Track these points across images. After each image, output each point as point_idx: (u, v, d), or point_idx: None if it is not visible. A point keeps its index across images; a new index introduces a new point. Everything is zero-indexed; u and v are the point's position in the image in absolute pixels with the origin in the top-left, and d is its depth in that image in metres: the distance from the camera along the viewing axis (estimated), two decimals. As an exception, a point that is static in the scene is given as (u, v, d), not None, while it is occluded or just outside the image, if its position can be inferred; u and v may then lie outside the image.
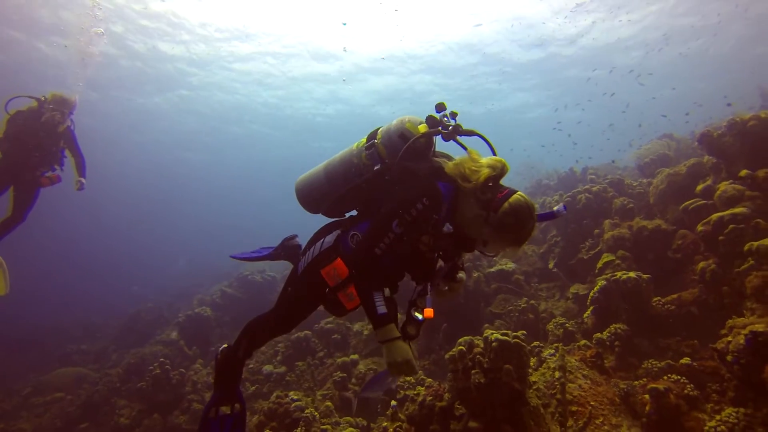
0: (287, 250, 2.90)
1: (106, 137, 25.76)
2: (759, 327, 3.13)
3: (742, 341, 3.24)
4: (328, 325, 8.46)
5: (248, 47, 17.57)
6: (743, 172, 5.14)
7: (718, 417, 3.38)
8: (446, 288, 2.27)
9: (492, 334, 3.90)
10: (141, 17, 14.87)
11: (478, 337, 4.05)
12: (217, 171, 40.42)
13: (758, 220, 4.54)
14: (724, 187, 5.26)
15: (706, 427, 3.38)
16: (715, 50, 19.30)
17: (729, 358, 3.35)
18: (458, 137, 2.21)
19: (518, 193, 1.94)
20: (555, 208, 2.04)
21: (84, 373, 10.40)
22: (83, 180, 6.03)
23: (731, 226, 4.70)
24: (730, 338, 3.40)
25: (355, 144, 2.40)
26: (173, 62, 18.43)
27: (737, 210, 4.79)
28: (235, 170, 40.28)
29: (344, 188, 2.37)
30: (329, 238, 2.35)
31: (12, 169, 5.57)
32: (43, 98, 5.77)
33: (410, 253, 2.10)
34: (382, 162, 2.25)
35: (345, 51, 17.04)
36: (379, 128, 2.36)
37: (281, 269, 14.21)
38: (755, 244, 3.96)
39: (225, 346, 2.61)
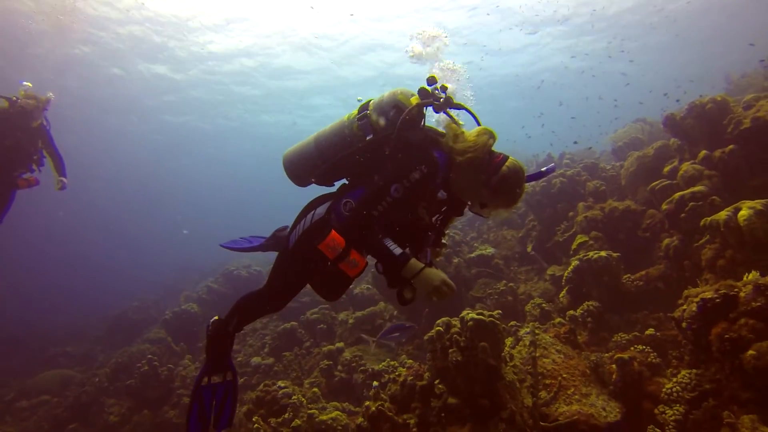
0: (278, 241, 2.90)
1: (90, 130, 25.16)
2: (707, 294, 3.36)
3: (694, 308, 3.48)
4: (314, 316, 8.60)
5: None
6: (702, 153, 5.40)
7: (674, 379, 3.63)
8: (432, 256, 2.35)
9: (468, 314, 4.08)
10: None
11: (455, 318, 4.22)
12: (204, 170, 39.93)
13: (714, 197, 4.80)
14: (686, 167, 5.51)
15: (664, 389, 3.64)
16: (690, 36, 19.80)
17: (684, 325, 3.59)
18: (448, 109, 2.29)
19: (511, 157, 2.12)
20: (544, 168, 2.21)
21: (70, 375, 10.35)
22: (64, 180, 5.96)
23: (691, 203, 4.95)
24: (685, 307, 3.64)
25: (346, 116, 2.43)
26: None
27: (696, 188, 5.04)
28: (220, 167, 39.80)
29: (334, 158, 2.40)
30: (320, 210, 2.36)
31: None
32: (14, 98, 5.64)
33: (404, 224, 2.17)
34: (375, 132, 2.29)
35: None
36: (370, 100, 2.41)
37: (266, 263, 14.27)
38: (708, 219, 4.20)
39: (216, 318, 2.65)
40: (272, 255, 2.89)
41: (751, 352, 2.96)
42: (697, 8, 17.21)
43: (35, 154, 5.73)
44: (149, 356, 8.33)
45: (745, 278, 3.55)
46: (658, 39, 20.16)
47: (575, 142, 11.32)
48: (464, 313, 4.16)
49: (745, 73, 13.12)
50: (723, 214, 4.05)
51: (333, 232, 2.07)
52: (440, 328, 4.22)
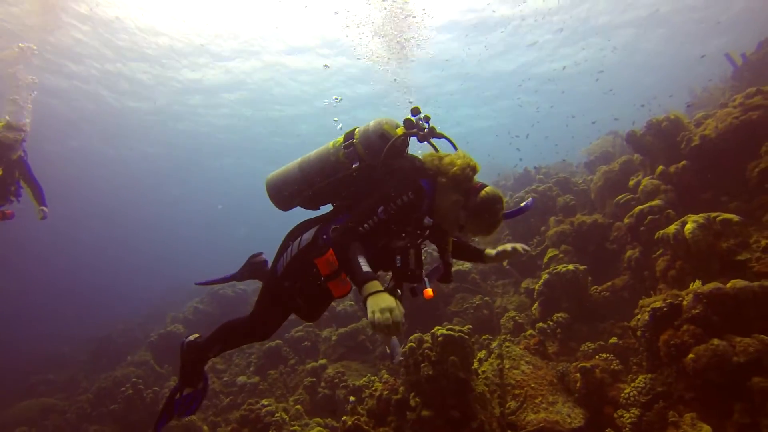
0: (253, 267, 2.92)
1: (72, 149, 25.01)
2: (657, 304, 3.63)
3: (646, 317, 3.74)
4: (298, 334, 8.72)
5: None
6: (659, 169, 5.75)
7: (632, 384, 3.87)
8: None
9: (438, 329, 4.29)
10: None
11: (427, 334, 4.42)
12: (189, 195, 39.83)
13: (669, 210, 5.12)
14: (645, 182, 5.85)
15: (623, 394, 3.87)
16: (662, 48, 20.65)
17: (638, 333, 3.84)
18: (431, 139, 2.42)
19: (490, 186, 2.25)
20: (522, 204, 2.34)
21: (51, 404, 10.16)
22: (45, 209, 5.93)
23: (649, 217, 5.27)
24: (639, 316, 3.89)
25: (331, 143, 2.49)
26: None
27: (654, 203, 5.37)
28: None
29: (319, 184, 2.45)
30: (307, 235, 2.40)
31: None
32: None
33: (386, 249, 2.19)
34: (361, 160, 2.36)
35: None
36: (356, 128, 2.48)
37: (251, 283, 14.27)
38: (661, 232, 4.50)
39: (192, 339, 2.64)
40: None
41: (691, 355, 3.21)
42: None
43: (12, 185, 5.66)
44: (134, 379, 8.32)
45: (690, 287, 3.83)
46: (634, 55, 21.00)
47: (535, 167, 11.71)
48: (435, 328, 4.37)
49: (706, 87, 13.78)
50: (672, 228, 4.35)
51: (331, 250, 2.05)
52: (413, 344, 4.42)
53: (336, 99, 19.72)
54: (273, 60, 18.18)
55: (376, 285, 1.91)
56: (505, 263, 8.18)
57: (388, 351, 4.80)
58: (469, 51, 18.09)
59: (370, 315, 1.77)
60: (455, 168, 2.22)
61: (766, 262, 4.09)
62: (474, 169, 2.26)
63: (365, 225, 2.10)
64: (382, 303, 1.79)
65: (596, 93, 23.11)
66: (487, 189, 2.21)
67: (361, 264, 1.98)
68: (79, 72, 16.96)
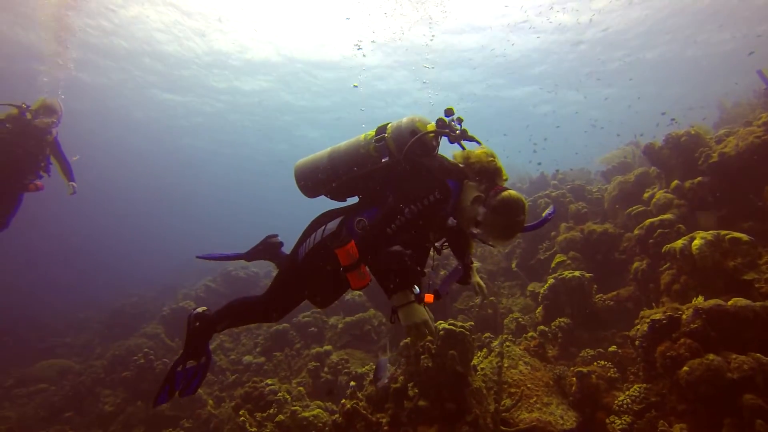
0: (267, 247, 2.94)
1: (93, 126, 25.65)
2: (657, 316, 3.70)
3: (645, 328, 3.81)
4: (306, 319, 8.94)
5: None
6: (674, 183, 5.75)
7: (627, 392, 3.96)
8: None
9: (440, 323, 4.42)
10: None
11: (430, 327, 4.56)
12: (209, 168, 40.45)
13: (680, 225, 5.14)
14: (659, 195, 5.86)
15: (616, 401, 3.95)
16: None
17: (636, 343, 3.92)
18: (462, 141, 2.41)
19: (515, 191, 2.20)
20: (544, 214, 2.32)
21: (68, 366, 10.67)
22: (74, 184, 6.17)
23: (659, 230, 5.29)
24: (639, 327, 3.96)
25: (363, 135, 2.50)
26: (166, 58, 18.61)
27: (665, 216, 5.39)
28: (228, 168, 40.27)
29: (345, 175, 2.46)
30: (332, 225, 2.42)
31: None
32: (24, 105, 5.69)
33: (412, 246, 2.21)
34: (391, 155, 2.37)
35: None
36: (388, 123, 2.49)
37: (264, 266, 14.62)
38: (668, 246, 4.54)
39: (200, 312, 2.63)
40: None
41: (685, 368, 3.29)
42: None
43: (43, 161, 5.86)
44: (145, 350, 8.66)
45: (693, 302, 3.88)
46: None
47: (557, 170, 11.68)
48: (438, 323, 4.50)
49: (737, 102, 13.51)
50: (679, 243, 4.39)
51: (352, 242, 2.10)
52: (415, 336, 4.56)
53: (354, 85, 19.70)
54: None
55: (408, 295, 2.04)
56: (513, 264, 8.26)
57: (375, 373, 4.82)
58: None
59: (406, 327, 2.01)
60: (480, 163, 2.22)
61: (773, 284, 4.11)
62: (497, 168, 2.22)
63: (393, 225, 2.12)
64: (417, 317, 2.00)
65: (622, 101, 22.81)
66: (510, 192, 2.14)
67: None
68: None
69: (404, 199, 2.15)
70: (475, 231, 2.17)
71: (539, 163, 12.99)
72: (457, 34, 16.70)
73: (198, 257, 2.99)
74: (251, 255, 2.96)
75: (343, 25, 15.74)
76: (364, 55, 17.60)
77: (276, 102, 23.62)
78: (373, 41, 16.30)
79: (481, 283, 2.80)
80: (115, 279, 22.96)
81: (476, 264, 2.73)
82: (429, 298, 2.20)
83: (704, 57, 20.23)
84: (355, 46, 16.61)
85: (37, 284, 24.78)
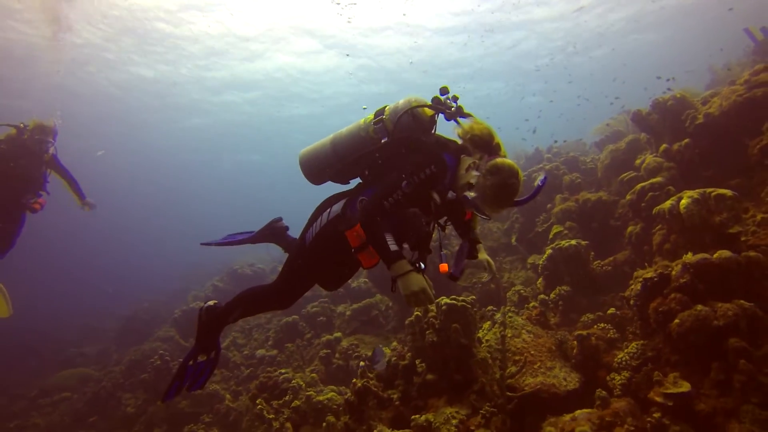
0: (273, 231, 2.98)
1: (95, 136, 25.71)
2: (648, 274, 3.85)
3: (638, 287, 3.97)
4: (314, 309, 9.15)
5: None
6: (662, 147, 5.85)
7: (625, 350, 4.12)
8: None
9: (442, 299, 4.59)
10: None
11: (432, 305, 4.73)
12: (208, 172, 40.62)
13: (669, 187, 5.26)
14: (648, 159, 5.97)
15: (616, 359, 4.12)
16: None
17: (631, 302, 4.07)
18: (459, 118, 2.42)
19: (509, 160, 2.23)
20: (535, 184, 2.25)
21: (87, 374, 10.98)
22: (90, 201, 6.24)
23: (650, 194, 5.42)
24: (632, 286, 4.12)
25: (362, 119, 2.58)
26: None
27: (655, 180, 5.50)
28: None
29: (350, 158, 2.53)
30: (336, 207, 2.48)
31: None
32: (22, 125, 5.78)
33: (411, 220, 2.27)
34: (389, 135, 2.43)
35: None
36: (386, 106, 2.56)
37: (270, 261, 14.84)
38: (657, 208, 4.67)
39: (211, 305, 2.68)
40: (275, 251, 3.15)
41: (676, 321, 3.45)
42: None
43: (41, 179, 5.90)
44: (161, 352, 8.90)
45: (683, 259, 4.03)
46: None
47: (555, 141, 11.75)
48: (440, 298, 4.67)
49: (727, 64, 13.46)
50: (668, 203, 4.52)
51: (359, 224, 2.15)
52: (419, 313, 4.74)
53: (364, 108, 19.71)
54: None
55: (405, 265, 2.06)
56: (513, 239, 8.41)
57: (370, 358, 4.85)
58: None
59: (405, 296, 2.03)
60: (478, 136, 2.24)
61: (761, 236, 4.25)
62: (495, 141, 2.24)
63: (390, 199, 2.16)
64: (414, 285, 2.02)
65: (613, 69, 22.67)
66: (504, 159, 2.17)
67: (388, 242, 2.08)
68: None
69: (401, 174, 2.20)
70: (470, 195, 2.17)
71: (534, 131, 13.04)
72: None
73: (202, 244, 3.03)
74: (257, 238, 3.00)
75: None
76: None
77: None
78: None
79: (490, 260, 2.87)
80: (125, 288, 23.25)
81: (482, 252, 2.78)
82: (443, 267, 2.31)
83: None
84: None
85: (49, 298, 25.11)
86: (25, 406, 9.72)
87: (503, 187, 2.11)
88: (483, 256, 2.84)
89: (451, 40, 18.22)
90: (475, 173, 2.17)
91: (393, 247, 2.07)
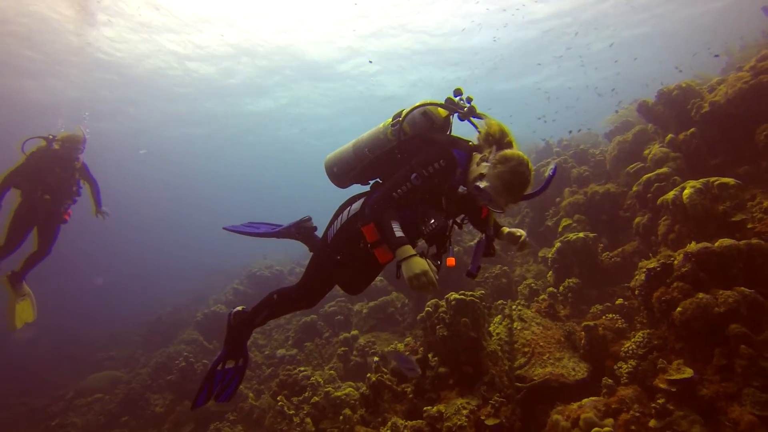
0: (303, 230, 3.07)
1: (114, 138, 26.32)
2: (651, 264, 3.93)
3: (643, 277, 4.05)
4: (332, 308, 9.38)
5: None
6: (668, 137, 5.87)
7: (632, 340, 4.21)
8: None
9: (451, 294, 4.74)
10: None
11: (443, 300, 4.88)
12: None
13: (675, 177, 5.30)
14: (655, 150, 6.00)
15: (623, 348, 4.21)
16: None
17: (636, 292, 4.16)
18: (472, 118, 2.49)
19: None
20: (546, 174, 2.26)
21: (117, 376, 11.46)
22: (105, 210, 6.49)
23: (656, 184, 5.46)
24: (637, 277, 4.20)
25: (382, 124, 2.67)
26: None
27: (661, 170, 5.54)
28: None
29: (367, 159, 2.63)
30: (356, 206, 2.59)
31: (36, 209, 5.89)
32: (51, 136, 6.06)
33: (422, 213, 2.33)
34: (405, 135, 2.52)
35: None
36: (403, 109, 2.64)
37: (287, 263, 15.16)
38: (662, 198, 4.73)
39: (239, 310, 2.80)
40: (293, 252, 3.19)
41: (679, 309, 3.53)
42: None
43: (75, 186, 6.24)
44: (185, 354, 9.26)
45: (687, 248, 4.09)
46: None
47: (570, 131, 11.73)
48: (449, 294, 4.82)
49: (744, 45, 13.16)
50: (671, 194, 4.58)
51: (374, 222, 2.20)
52: (429, 309, 4.90)
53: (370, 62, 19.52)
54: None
55: (408, 249, 2.07)
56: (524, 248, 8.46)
57: (402, 365, 4.55)
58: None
59: (407, 278, 2.02)
60: (486, 130, 2.30)
61: (767, 223, 4.28)
62: (508, 138, 2.27)
63: (399, 191, 2.22)
64: (416, 268, 2.01)
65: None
66: (514, 150, 2.21)
67: (394, 229, 2.11)
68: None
69: (412, 167, 2.26)
70: (482, 185, 2.18)
71: (543, 119, 12.97)
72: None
73: (224, 228, 3.12)
74: (282, 234, 3.09)
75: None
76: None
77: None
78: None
79: (514, 231, 2.72)
80: (147, 293, 23.94)
81: (507, 229, 2.74)
82: (451, 261, 2.37)
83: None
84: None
85: (76, 304, 26.00)
86: (63, 406, 10.22)
87: (513, 174, 2.11)
88: (507, 230, 2.76)
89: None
90: (485, 164, 2.22)
91: (399, 233, 2.10)
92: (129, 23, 14.83)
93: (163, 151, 30.79)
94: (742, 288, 3.30)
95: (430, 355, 4.87)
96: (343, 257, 2.56)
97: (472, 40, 18.91)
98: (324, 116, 27.16)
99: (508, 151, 2.18)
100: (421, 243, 2.54)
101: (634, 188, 5.91)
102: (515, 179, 2.11)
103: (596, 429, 2.98)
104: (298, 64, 19.66)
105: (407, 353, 5.15)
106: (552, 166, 2.33)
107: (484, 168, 2.21)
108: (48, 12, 13.58)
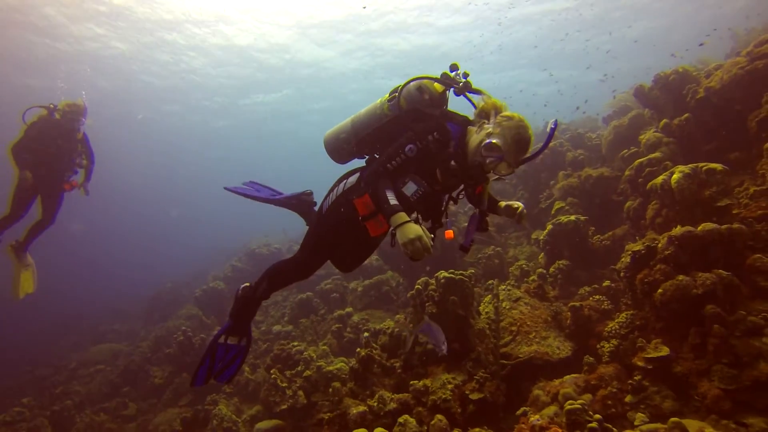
0: (302, 202, 3.08)
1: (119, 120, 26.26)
2: (636, 247, 4.01)
3: (628, 260, 4.14)
4: (327, 286, 9.53)
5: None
6: (662, 122, 5.88)
7: (616, 320, 4.33)
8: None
9: (441, 273, 4.85)
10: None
11: (432, 278, 4.99)
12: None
13: (667, 162, 5.34)
14: (648, 135, 6.02)
15: (607, 328, 4.34)
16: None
17: (621, 274, 4.26)
18: (468, 93, 2.46)
19: None
20: (548, 129, 2.25)
21: (118, 349, 11.74)
22: (88, 187, 6.44)
23: (647, 169, 5.50)
24: (623, 259, 4.29)
25: (379, 100, 2.69)
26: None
27: (653, 155, 5.58)
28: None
29: (363, 134, 2.66)
30: (351, 179, 2.62)
31: (40, 177, 5.94)
32: (51, 106, 6.04)
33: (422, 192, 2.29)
34: (401, 110, 2.54)
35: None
36: (400, 84, 2.64)
37: (285, 241, 15.31)
38: (651, 183, 4.78)
39: (246, 285, 2.84)
40: (292, 233, 3.19)
41: (659, 290, 3.64)
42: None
43: (77, 157, 6.24)
44: (184, 328, 9.46)
45: (672, 232, 4.17)
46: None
47: (578, 107, 11.70)
48: (439, 272, 4.92)
49: (749, 28, 12.95)
50: (660, 179, 4.63)
51: (367, 195, 2.21)
52: (419, 286, 5.02)
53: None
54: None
55: (402, 216, 2.05)
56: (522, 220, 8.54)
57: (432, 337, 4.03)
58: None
59: (401, 244, 1.99)
60: (483, 104, 2.32)
61: (752, 208, 4.34)
62: (501, 106, 2.28)
63: (393, 162, 2.23)
64: (411, 233, 1.98)
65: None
66: (513, 112, 2.24)
67: (388, 197, 2.11)
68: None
69: (406, 139, 2.28)
70: (493, 141, 2.13)
71: (545, 105, 12.90)
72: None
73: (226, 188, 3.13)
74: (281, 202, 3.09)
75: None
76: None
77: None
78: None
79: (512, 204, 2.60)
80: (147, 272, 24.22)
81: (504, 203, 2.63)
82: (449, 234, 2.39)
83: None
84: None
85: (78, 282, 26.34)
86: (67, 376, 10.53)
87: (520, 128, 2.14)
88: (505, 203, 2.66)
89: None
90: (488, 126, 2.21)
91: (393, 201, 2.10)
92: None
93: (170, 129, 30.44)
94: (720, 270, 3.39)
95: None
96: (336, 230, 2.60)
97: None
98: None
99: (508, 112, 2.23)
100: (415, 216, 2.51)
101: (627, 172, 5.96)
102: (523, 132, 2.14)
103: (570, 401, 3.11)
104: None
105: (393, 330, 5.24)
106: (552, 122, 2.35)
107: (488, 128, 2.20)
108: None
